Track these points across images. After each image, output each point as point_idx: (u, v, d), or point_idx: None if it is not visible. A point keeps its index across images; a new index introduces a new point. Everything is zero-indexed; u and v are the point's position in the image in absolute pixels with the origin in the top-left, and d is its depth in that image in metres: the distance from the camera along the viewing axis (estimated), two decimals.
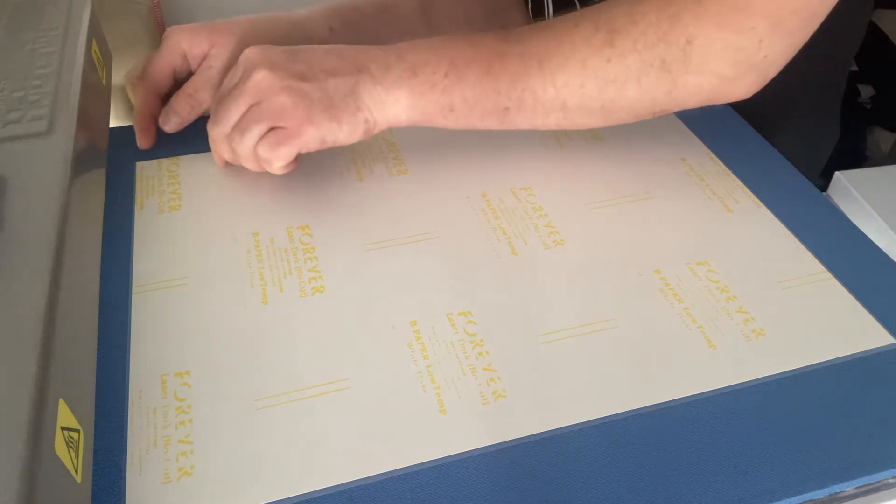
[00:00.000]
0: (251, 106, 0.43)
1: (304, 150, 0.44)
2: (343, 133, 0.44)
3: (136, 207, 0.47)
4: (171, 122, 0.51)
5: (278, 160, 0.44)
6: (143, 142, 0.52)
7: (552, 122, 0.46)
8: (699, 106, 0.45)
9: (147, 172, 0.50)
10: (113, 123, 0.53)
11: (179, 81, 0.52)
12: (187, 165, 0.51)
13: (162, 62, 0.50)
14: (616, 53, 0.43)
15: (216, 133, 0.45)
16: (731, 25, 0.41)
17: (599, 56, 0.43)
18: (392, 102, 0.44)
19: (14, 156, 0.38)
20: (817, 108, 0.72)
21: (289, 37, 0.51)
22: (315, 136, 0.44)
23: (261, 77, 0.43)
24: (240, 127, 0.44)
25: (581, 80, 0.44)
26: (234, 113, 0.44)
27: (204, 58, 0.50)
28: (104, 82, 0.51)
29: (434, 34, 0.55)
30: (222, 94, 0.45)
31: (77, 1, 0.51)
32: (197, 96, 0.50)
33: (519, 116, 0.46)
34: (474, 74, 0.44)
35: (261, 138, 0.44)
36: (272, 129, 0.44)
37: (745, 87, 0.44)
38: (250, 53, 0.44)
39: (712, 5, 0.41)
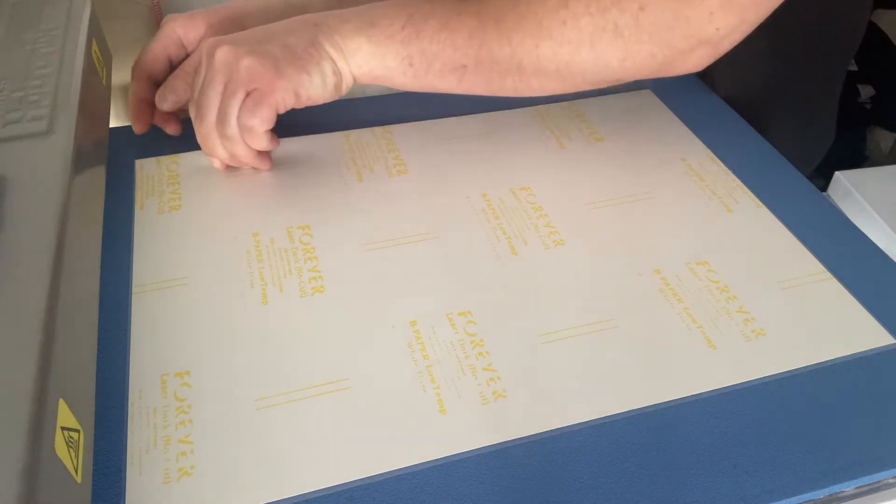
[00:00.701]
0: (225, 85, 0.44)
1: (281, 109, 0.45)
2: (315, 85, 0.45)
3: (136, 207, 0.47)
4: (168, 101, 0.50)
5: (261, 124, 0.45)
6: (138, 126, 0.51)
7: (509, 84, 0.46)
8: (652, 77, 0.46)
9: (147, 171, 0.50)
10: (113, 123, 0.53)
11: (175, 68, 0.51)
12: (187, 164, 0.51)
13: (157, 48, 0.50)
14: (570, 15, 0.43)
15: (204, 127, 0.46)
16: None
17: (555, 17, 0.43)
18: (353, 50, 0.45)
19: (14, 156, 0.38)
20: (814, 107, 0.72)
21: (286, 16, 0.51)
22: (288, 89, 0.44)
23: (223, 52, 0.44)
24: (221, 110, 0.45)
25: (536, 41, 0.44)
26: (213, 98, 0.45)
27: (200, 41, 0.50)
28: (104, 82, 0.51)
29: None
30: (196, 91, 0.46)
31: (77, 1, 0.51)
32: (194, 74, 0.50)
33: (476, 76, 0.46)
34: (431, 28, 0.45)
35: (240, 110, 0.45)
36: (247, 96, 0.44)
37: (696, 59, 0.44)
38: (209, 41, 0.45)
39: None
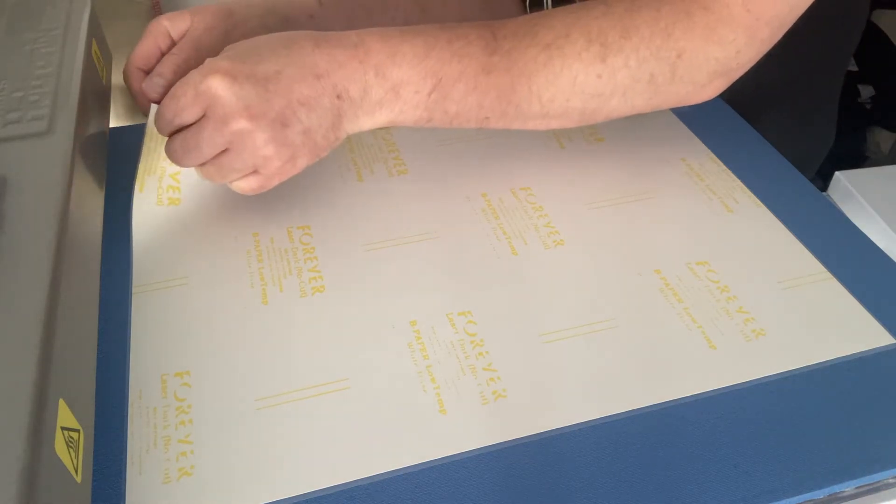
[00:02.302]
0: (227, 149, 0.41)
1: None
2: (322, 156, 0.44)
3: (136, 188, 0.47)
4: (156, 85, 0.46)
5: (254, 193, 0.43)
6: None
7: (529, 126, 0.47)
8: (668, 108, 0.47)
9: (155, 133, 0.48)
10: (113, 123, 0.53)
11: None
12: None
13: (148, 43, 0.48)
14: (607, 70, 0.43)
15: (178, 160, 0.42)
16: (715, 38, 0.42)
17: (590, 72, 0.43)
18: (370, 121, 0.44)
19: (14, 156, 0.38)
20: (814, 107, 0.72)
21: (270, 10, 0.50)
22: (295, 172, 0.43)
23: (242, 128, 0.40)
24: (217, 164, 0.42)
25: (568, 96, 0.44)
26: (206, 151, 0.41)
27: (187, 31, 0.49)
28: (104, 82, 0.51)
29: (426, 16, 0.54)
30: (180, 119, 0.41)
31: (77, 1, 0.51)
32: (181, 56, 0.47)
33: (497, 123, 0.46)
34: (459, 92, 0.43)
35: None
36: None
37: (713, 90, 0.46)
38: (220, 89, 0.39)
39: (701, 18, 0.42)
